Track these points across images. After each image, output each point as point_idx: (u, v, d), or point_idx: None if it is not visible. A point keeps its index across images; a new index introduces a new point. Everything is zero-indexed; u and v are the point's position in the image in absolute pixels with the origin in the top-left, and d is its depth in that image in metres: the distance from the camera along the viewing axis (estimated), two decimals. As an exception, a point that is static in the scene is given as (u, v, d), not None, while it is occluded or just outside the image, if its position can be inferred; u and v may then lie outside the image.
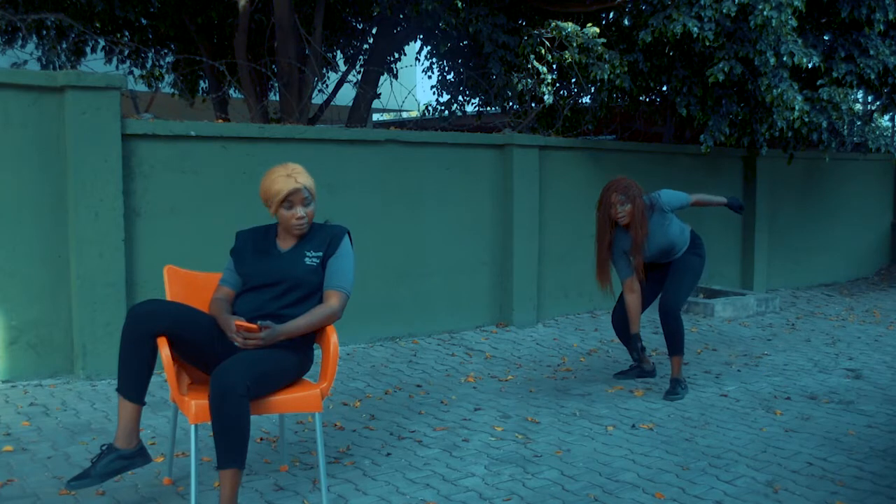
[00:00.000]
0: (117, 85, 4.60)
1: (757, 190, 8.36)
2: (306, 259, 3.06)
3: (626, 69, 6.65)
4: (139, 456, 2.90)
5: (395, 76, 8.52)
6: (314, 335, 3.12)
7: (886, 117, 11.24)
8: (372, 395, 4.57)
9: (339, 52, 8.95)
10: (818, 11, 7.30)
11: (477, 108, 8.79)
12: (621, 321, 4.83)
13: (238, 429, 2.64)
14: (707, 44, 6.19)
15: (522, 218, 6.40)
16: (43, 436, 3.72)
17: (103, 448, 2.88)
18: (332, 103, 8.43)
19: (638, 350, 4.65)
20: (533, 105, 7.35)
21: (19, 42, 7.71)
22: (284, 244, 3.12)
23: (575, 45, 6.52)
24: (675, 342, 4.64)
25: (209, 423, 2.67)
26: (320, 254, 3.07)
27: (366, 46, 8.76)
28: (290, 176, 3.00)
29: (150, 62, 8.53)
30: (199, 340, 2.93)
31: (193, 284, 3.25)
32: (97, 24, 7.91)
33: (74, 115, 4.47)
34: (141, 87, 8.35)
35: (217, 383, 2.64)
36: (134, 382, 2.84)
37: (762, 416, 4.24)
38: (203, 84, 8.84)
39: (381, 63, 7.86)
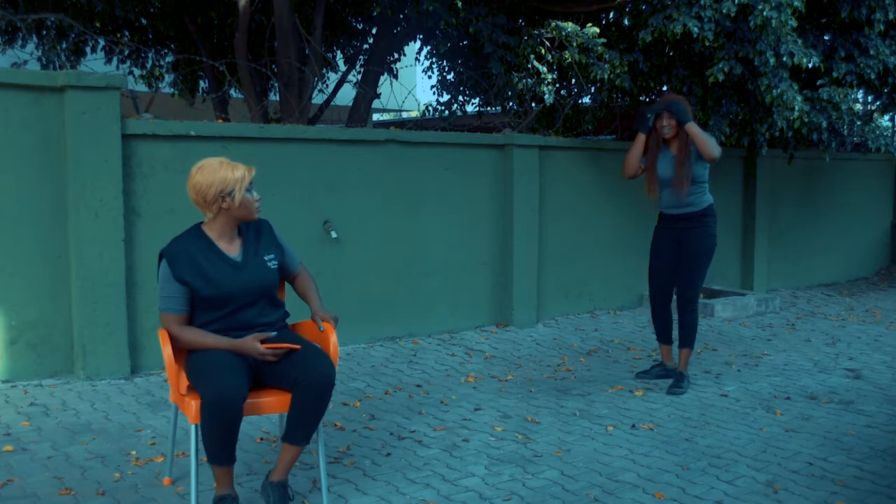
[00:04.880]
0: (117, 85, 4.60)
1: (757, 190, 8.36)
2: (269, 264, 3.07)
3: (626, 69, 6.65)
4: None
5: (395, 76, 8.51)
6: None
7: (886, 117, 11.23)
8: (372, 395, 4.57)
9: (339, 52, 8.93)
10: (818, 11, 7.29)
11: (477, 108, 8.78)
12: (660, 307, 5.00)
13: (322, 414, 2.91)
14: (707, 44, 6.19)
15: (522, 218, 6.40)
16: (43, 436, 3.72)
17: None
18: (332, 103, 8.42)
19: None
20: (533, 105, 7.34)
21: (19, 42, 7.69)
22: (230, 248, 3.04)
23: (575, 44, 6.52)
24: (687, 334, 4.84)
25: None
26: (274, 255, 3.10)
27: (366, 46, 8.75)
28: (235, 165, 3.03)
29: (150, 62, 8.52)
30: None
31: (193, 284, 3.24)
32: (97, 24, 7.90)
33: (74, 115, 4.47)
34: (141, 87, 8.34)
35: (322, 376, 2.83)
36: (229, 451, 2.83)
37: (762, 416, 4.25)
38: (203, 84, 8.83)
39: (381, 63, 7.86)
